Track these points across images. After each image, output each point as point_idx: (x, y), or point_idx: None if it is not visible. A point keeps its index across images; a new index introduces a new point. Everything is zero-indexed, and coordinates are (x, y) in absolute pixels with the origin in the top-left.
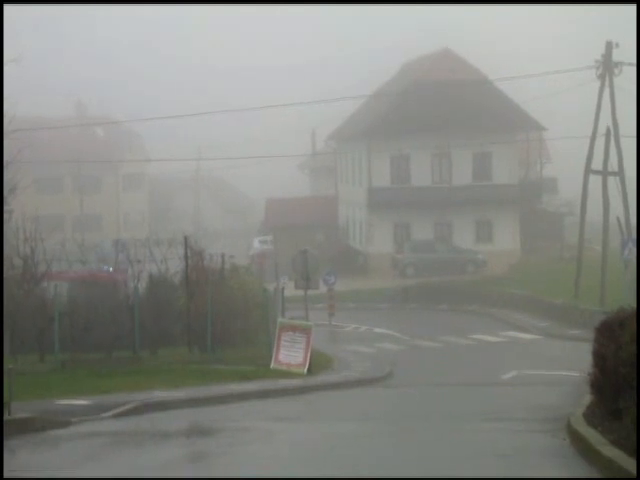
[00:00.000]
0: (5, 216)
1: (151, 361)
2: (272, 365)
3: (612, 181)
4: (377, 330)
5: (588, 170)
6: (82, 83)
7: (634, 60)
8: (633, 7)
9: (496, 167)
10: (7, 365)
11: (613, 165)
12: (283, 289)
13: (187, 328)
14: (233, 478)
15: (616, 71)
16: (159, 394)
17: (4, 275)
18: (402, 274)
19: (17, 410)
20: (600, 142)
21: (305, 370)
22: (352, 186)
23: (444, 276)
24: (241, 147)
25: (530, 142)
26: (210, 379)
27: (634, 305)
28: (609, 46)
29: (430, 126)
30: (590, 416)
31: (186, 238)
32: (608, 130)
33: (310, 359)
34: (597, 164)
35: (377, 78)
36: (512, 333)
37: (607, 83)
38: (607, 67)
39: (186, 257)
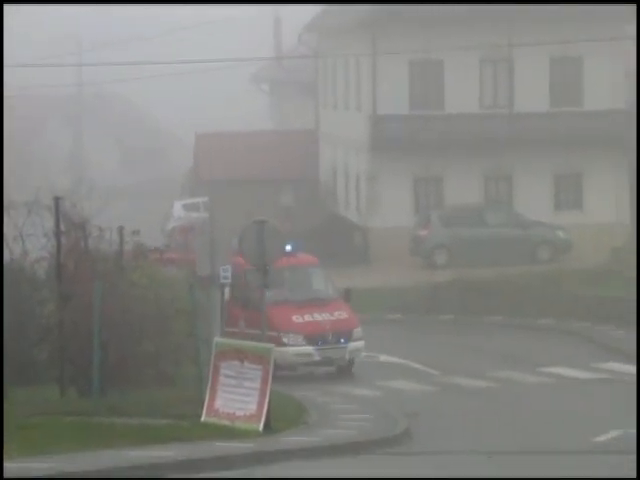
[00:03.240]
0: None
1: None
2: (204, 417)
3: None
4: (384, 358)
5: None
6: None
7: None
8: None
9: (590, 82)
10: None
11: None
12: (224, 287)
13: (59, 354)
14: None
15: None
16: (10, 466)
17: None
18: (428, 263)
19: None
20: None
21: (260, 426)
22: (343, 113)
23: (499, 267)
24: (154, 46)
25: None
26: (97, 441)
27: None
28: None
29: (478, 12)
30: None
31: (57, 200)
32: None
33: (269, 408)
34: None
35: None
36: (613, 365)
37: None
38: None
39: (57, 233)
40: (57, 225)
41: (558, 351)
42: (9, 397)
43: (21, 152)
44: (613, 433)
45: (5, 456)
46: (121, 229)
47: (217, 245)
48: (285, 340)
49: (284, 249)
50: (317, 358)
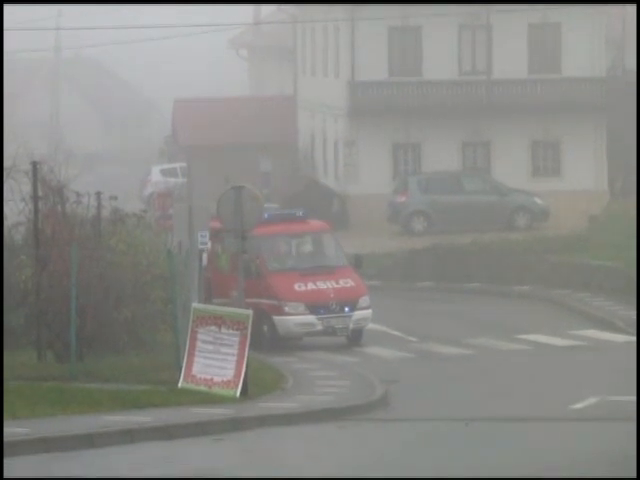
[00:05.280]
0: None
1: None
2: (181, 383)
3: None
4: None
5: None
6: None
7: None
8: None
9: (568, 50)
10: None
11: None
12: (202, 253)
13: (36, 319)
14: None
15: None
16: None
17: None
18: (406, 229)
19: None
20: None
21: (237, 392)
22: (322, 80)
23: (477, 234)
24: (132, 11)
25: (627, 7)
26: (74, 406)
27: None
28: None
29: None
30: None
31: (35, 165)
32: None
33: (246, 374)
34: None
35: None
36: (591, 332)
37: None
38: None
39: (35, 197)
40: (35, 190)
41: (536, 318)
42: None
43: None
44: (590, 400)
45: None
46: (99, 194)
47: (195, 211)
48: (286, 309)
49: (262, 215)
50: (319, 328)
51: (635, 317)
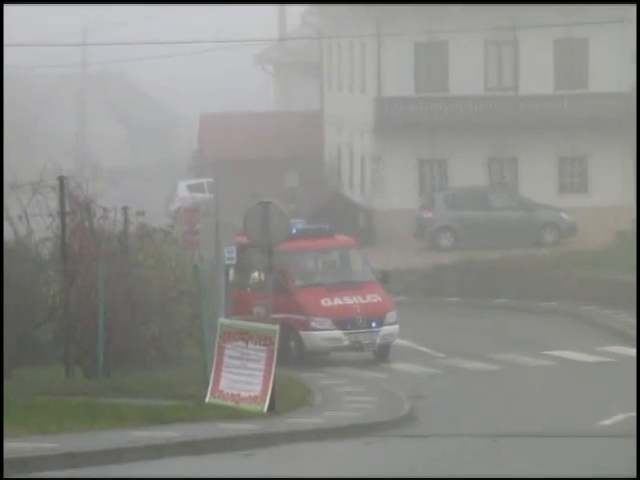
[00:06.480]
0: None
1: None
2: (208, 398)
3: None
4: None
5: None
6: None
7: None
8: None
9: (595, 65)
10: None
11: None
12: (229, 268)
13: (64, 334)
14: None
15: None
16: (15, 445)
17: None
18: (432, 245)
19: None
20: None
21: (265, 407)
22: (348, 95)
23: (504, 249)
24: (158, 26)
25: None
26: (102, 421)
27: None
28: None
29: None
30: None
31: (62, 180)
32: None
33: (273, 389)
34: None
35: None
36: (618, 348)
37: None
38: None
39: (62, 212)
40: (62, 205)
41: (563, 334)
42: (15, 377)
43: (26, 132)
44: (618, 417)
45: (10, 435)
46: (126, 210)
47: (222, 226)
48: (313, 324)
49: (289, 230)
50: (346, 343)
51: None
